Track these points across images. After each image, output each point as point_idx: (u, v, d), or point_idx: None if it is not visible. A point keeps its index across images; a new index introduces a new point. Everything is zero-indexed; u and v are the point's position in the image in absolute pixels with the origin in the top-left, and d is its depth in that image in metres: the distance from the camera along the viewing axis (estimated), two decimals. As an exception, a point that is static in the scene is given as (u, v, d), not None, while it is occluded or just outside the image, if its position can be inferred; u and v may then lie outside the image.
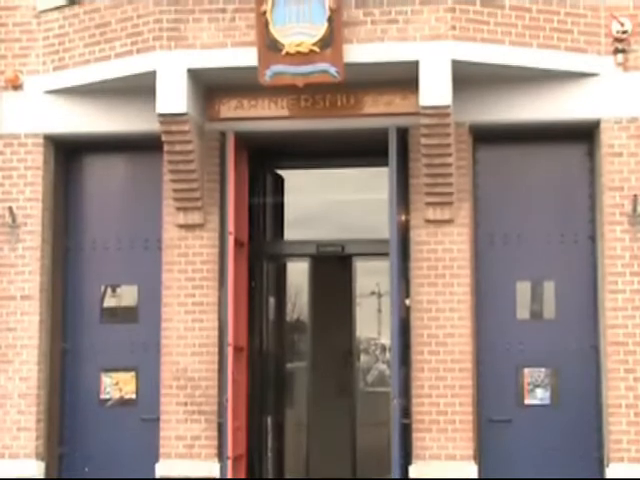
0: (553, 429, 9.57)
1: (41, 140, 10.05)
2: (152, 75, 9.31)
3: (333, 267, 11.63)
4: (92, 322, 10.21)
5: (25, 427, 9.84)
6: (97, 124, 9.97)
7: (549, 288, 9.76)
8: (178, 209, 9.86)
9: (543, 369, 9.64)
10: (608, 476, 9.26)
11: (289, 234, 11.07)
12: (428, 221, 9.61)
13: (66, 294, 10.29)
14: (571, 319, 9.71)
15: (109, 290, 10.24)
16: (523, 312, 9.78)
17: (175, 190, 9.79)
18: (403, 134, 9.59)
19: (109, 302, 10.25)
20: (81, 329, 10.23)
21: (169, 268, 9.87)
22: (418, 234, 9.62)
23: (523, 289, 9.79)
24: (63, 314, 10.27)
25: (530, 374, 9.65)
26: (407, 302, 9.59)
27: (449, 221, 9.58)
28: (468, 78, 9.36)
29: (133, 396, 10.07)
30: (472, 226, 9.74)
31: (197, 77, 9.44)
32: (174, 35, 9.29)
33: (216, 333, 9.73)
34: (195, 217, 9.84)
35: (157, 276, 9.91)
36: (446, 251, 9.57)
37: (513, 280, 9.78)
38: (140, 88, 9.56)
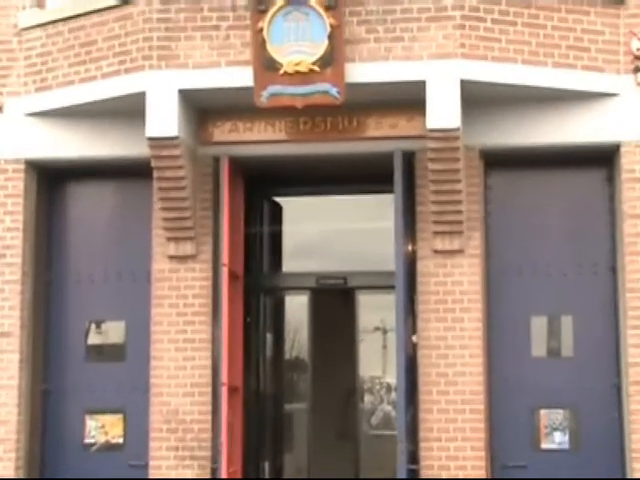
0: (572, 476, 9.44)
1: (22, 166, 10.06)
2: (141, 96, 9.31)
3: (334, 301, 11.76)
4: (76, 360, 10.16)
5: (3, 475, 9.75)
6: (82, 149, 9.97)
7: (567, 323, 9.74)
8: (169, 239, 9.85)
9: (561, 410, 9.59)
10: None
11: (287, 266, 11.06)
12: (436, 251, 9.59)
13: (48, 331, 10.25)
14: (591, 356, 9.66)
15: (94, 326, 10.23)
16: (539, 349, 9.75)
17: (165, 219, 9.79)
18: (409, 159, 9.59)
19: (94, 339, 10.22)
20: (64, 368, 10.18)
21: (159, 302, 9.85)
22: (425, 265, 9.59)
23: (539, 324, 9.76)
24: (45, 352, 10.22)
25: (547, 416, 9.60)
26: (414, 338, 9.57)
27: (459, 251, 9.56)
28: (478, 99, 9.37)
29: (120, 440, 10.02)
30: (483, 257, 9.71)
31: (189, 98, 9.45)
32: (165, 54, 9.30)
33: (209, 372, 9.70)
34: (187, 248, 9.83)
35: (146, 311, 9.89)
36: (456, 284, 9.55)
37: (528, 314, 9.75)
38: (128, 110, 9.57)
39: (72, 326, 10.22)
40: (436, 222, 9.55)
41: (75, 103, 9.72)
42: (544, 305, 9.76)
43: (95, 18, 9.65)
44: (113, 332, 10.20)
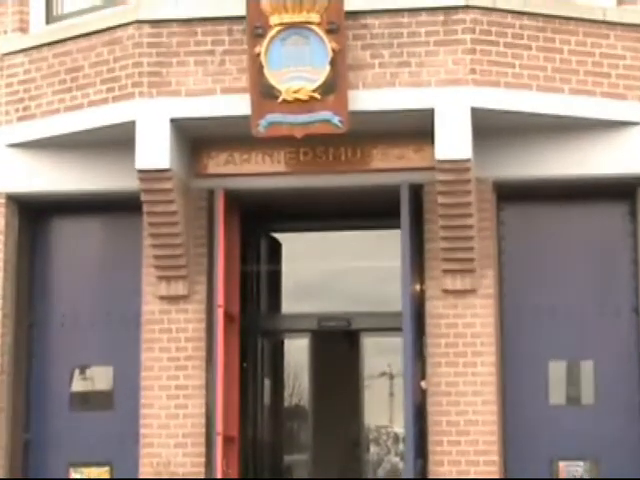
0: (595, 536, 9.48)
1: (3, 200, 10.07)
2: (131, 126, 9.31)
3: (338, 344, 11.73)
4: (60, 409, 10.12)
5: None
6: (67, 182, 9.97)
7: (587, 368, 9.72)
8: (160, 278, 9.83)
9: (581, 463, 9.56)
10: None
11: (287, 307, 11.05)
12: (446, 291, 9.57)
13: (30, 377, 10.23)
14: (613, 404, 9.61)
15: (79, 372, 10.18)
16: (557, 396, 9.73)
17: (157, 257, 9.76)
18: (417, 192, 9.60)
19: (79, 386, 10.18)
20: (47, 417, 10.14)
21: (149, 346, 9.82)
22: (435, 306, 9.57)
23: (557, 369, 9.74)
24: (26, 400, 10.20)
25: (566, 469, 9.56)
26: (423, 384, 9.56)
27: (471, 291, 9.54)
28: (491, 128, 9.37)
29: (107, 495, 9.99)
30: (497, 297, 9.69)
31: (182, 128, 9.45)
32: (156, 81, 9.31)
33: (203, 421, 9.65)
34: (179, 287, 9.81)
35: (135, 355, 9.85)
36: (467, 326, 9.52)
37: (545, 359, 9.72)
38: (117, 141, 9.58)
39: (56, 372, 10.18)
40: (446, 260, 9.51)
41: (60, 133, 9.73)
42: (563, 349, 9.73)
43: (82, 42, 9.64)
44: (99, 378, 10.17)
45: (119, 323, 10.12)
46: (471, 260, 9.49)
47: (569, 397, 9.73)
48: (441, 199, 9.29)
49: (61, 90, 9.70)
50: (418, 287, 9.63)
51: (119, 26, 9.48)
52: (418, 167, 9.51)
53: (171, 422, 9.67)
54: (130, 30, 9.41)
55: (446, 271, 9.53)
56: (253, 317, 10.62)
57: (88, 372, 10.18)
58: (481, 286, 9.54)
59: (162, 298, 9.85)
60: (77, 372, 10.17)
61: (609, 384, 9.64)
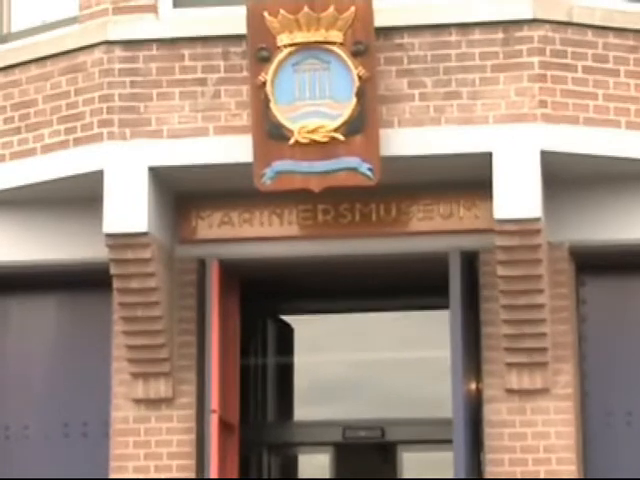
0: None
1: None
2: (98, 178, 9.30)
3: (368, 461, 11.50)
4: None
5: None
6: (14, 251, 10.01)
7: (697, 492, 9.52)
8: (135, 376, 9.77)
9: None
10: None
11: (302, 412, 11.06)
12: (511, 391, 9.51)
13: (-37, 507, 9.98)
14: None
15: None
16: (660, 531, 9.50)
17: (131, 347, 9.69)
18: (471, 261, 9.59)
19: None
20: None
21: (121, 465, 9.73)
22: (496, 410, 9.51)
23: None
24: (-42, 539, 9.96)
25: None
26: None
27: (543, 391, 9.47)
28: (567, 178, 9.39)
29: None
30: (578, 399, 9.62)
31: (164, 180, 9.46)
32: (130, 118, 9.33)
33: None
34: (161, 388, 9.77)
35: (102, 477, 9.77)
36: (539, 436, 9.41)
37: None
38: (79, 197, 9.64)
39: (-3, 501, 9.94)
40: (510, 350, 9.44)
41: (5, 187, 9.76)
42: (667, 466, 9.60)
43: (34, 69, 9.71)
44: (54, 509, 9.84)
45: (80, 435, 10.13)
46: (543, 350, 9.44)
47: (675, 532, 9.38)
48: (502, 271, 9.22)
49: (7, 131, 9.78)
50: (473, 386, 9.63)
51: (82, 48, 9.53)
52: (472, 229, 9.56)
53: None
54: (97, 53, 9.49)
55: (510, 364, 9.49)
56: (257, 426, 10.70)
57: (39, 501, 9.76)
58: (556, 384, 9.51)
59: (138, 401, 9.80)
60: (25, 502, 9.92)
61: None
